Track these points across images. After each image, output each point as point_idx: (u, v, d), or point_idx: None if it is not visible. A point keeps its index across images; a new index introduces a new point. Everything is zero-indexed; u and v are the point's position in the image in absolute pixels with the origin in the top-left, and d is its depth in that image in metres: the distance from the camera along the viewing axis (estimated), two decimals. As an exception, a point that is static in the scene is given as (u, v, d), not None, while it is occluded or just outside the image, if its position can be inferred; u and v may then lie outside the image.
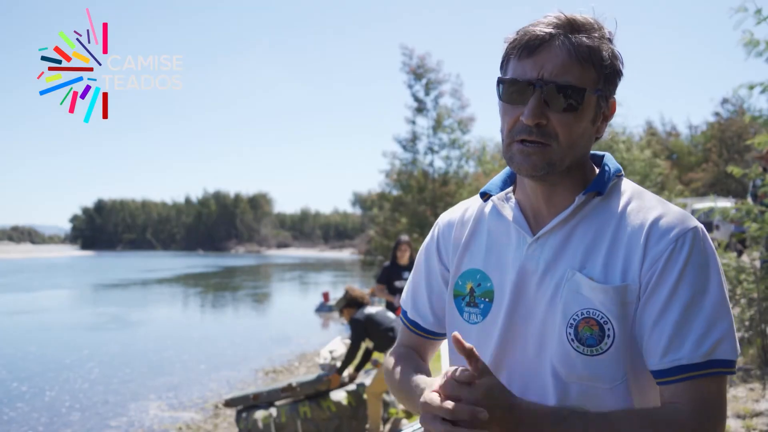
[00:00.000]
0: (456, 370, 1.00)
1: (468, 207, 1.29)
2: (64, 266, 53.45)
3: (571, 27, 1.05)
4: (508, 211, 1.17)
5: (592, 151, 1.18)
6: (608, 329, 1.04)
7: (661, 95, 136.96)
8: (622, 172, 1.18)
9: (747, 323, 5.41)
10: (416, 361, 1.32)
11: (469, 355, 0.99)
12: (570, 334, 1.06)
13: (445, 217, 1.32)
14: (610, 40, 1.08)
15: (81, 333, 15.25)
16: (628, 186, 1.15)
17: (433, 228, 1.34)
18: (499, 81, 1.11)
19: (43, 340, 14.04)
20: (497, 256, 1.18)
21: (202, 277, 39.01)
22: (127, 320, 17.59)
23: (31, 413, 7.98)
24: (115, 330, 15.72)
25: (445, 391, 0.97)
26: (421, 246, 1.36)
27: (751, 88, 5.13)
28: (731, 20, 4.91)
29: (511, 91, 1.08)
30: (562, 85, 1.03)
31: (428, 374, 1.23)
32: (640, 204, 1.10)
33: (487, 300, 1.17)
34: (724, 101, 36.96)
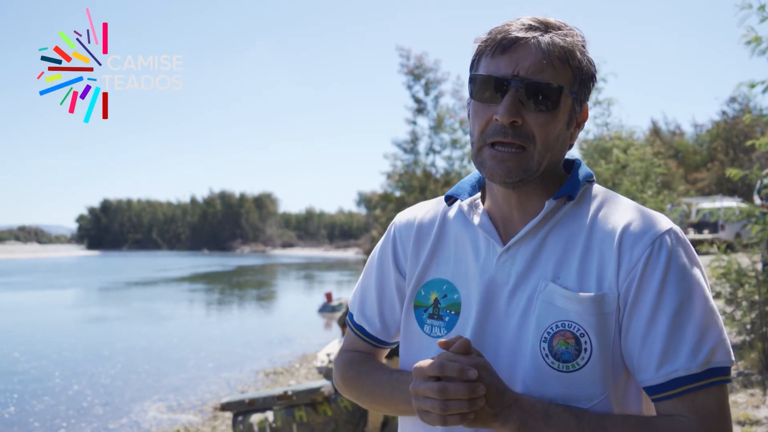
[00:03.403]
0: (453, 338, 0.96)
1: (429, 209, 1.21)
2: (74, 266, 53.68)
3: (545, 28, 1.02)
4: (476, 218, 1.11)
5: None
6: (585, 342, 0.98)
7: (665, 93, 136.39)
8: (593, 177, 1.13)
9: (748, 327, 5.35)
10: (376, 361, 1.24)
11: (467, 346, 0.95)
12: (544, 348, 1.00)
13: (402, 218, 1.23)
14: (583, 45, 1.05)
15: (119, 327, 15.80)
16: (599, 191, 1.10)
17: (388, 229, 1.24)
18: (471, 78, 1.05)
19: (85, 333, 14.68)
20: (465, 266, 1.11)
21: (216, 276, 39.24)
22: (158, 316, 18.05)
23: (56, 407, 8.12)
24: (147, 325, 16.14)
25: (440, 358, 0.93)
26: (376, 246, 1.27)
27: (753, 86, 5.05)
28: (735, 17, 4.84)
29: (483, 88, 1.02)
30: (538, 83, 0.99)
31: None
32: (612, 208, 1.05)
33: (453, 313, 1.10)
34: (731, 100, 36.68)
